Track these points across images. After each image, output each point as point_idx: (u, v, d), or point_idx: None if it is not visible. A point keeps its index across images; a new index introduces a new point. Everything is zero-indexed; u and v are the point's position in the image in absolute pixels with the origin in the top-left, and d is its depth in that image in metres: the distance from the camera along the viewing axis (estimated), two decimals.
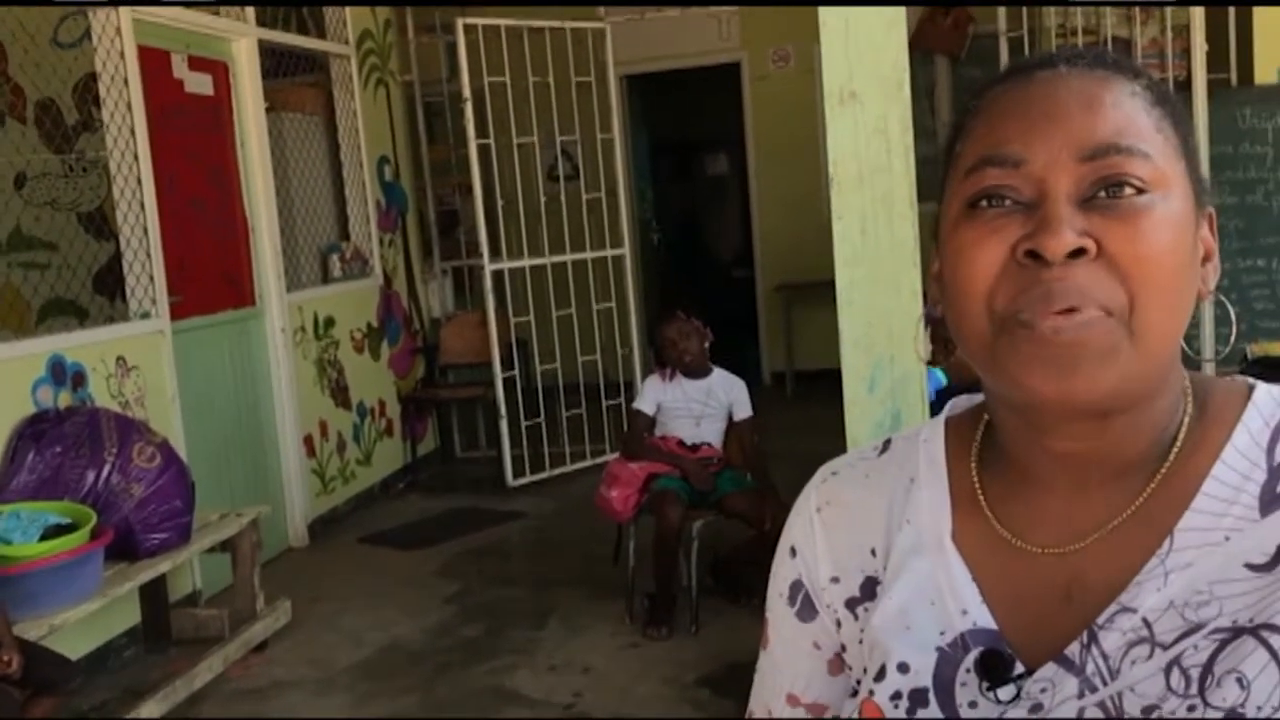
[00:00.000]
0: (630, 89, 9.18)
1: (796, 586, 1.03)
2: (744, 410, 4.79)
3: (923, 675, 0.90)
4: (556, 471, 6.86)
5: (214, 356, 5.45)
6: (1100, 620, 0.85)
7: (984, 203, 0.86)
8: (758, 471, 4.70)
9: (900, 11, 2.51)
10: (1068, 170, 0.83)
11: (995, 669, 0.88)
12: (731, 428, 4.81)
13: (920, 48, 7.91)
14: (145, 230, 4.83)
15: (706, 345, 4.79)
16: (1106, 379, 0.82)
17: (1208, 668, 0.81)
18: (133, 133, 4.77)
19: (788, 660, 1.05)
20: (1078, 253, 0.81)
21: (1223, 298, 0.96)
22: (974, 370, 0.91)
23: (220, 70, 5.60)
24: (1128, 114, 0.85)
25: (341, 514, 6.39)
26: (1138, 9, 5.90)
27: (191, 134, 5.42)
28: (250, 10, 5.75)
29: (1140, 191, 0.82)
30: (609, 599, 4.80)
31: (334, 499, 6.36)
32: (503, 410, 6.69)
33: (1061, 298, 0.81)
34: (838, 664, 1.02)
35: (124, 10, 4.72)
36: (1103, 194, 0.83)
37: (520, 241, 7.09)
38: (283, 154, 6.30)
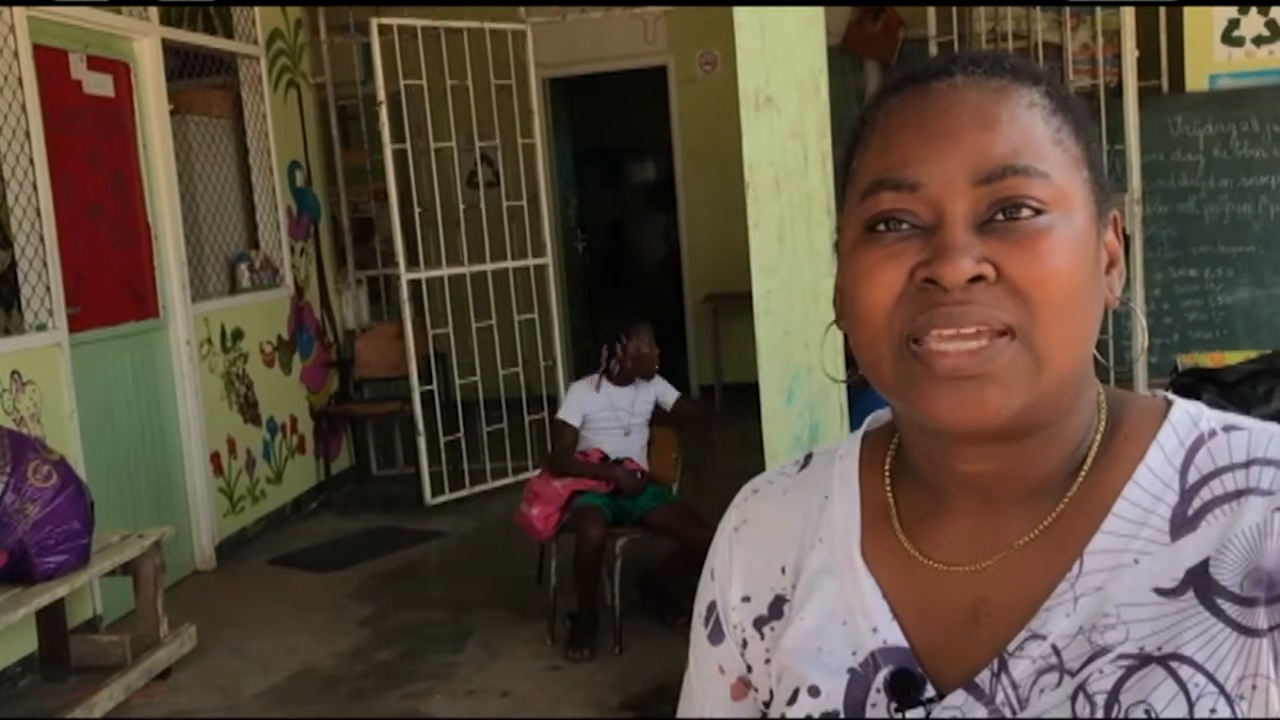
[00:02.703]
0: (553, 92, 9.07)
1: (711, 609, 1.04)
2: (670, 393, 4.79)
3: (834, 698, 0.91)
4: (477, 489, 6.73)
5: (115, 370, 5.30)
6: (1010, 648, 0.85)
7: (881, 226, 0.85)
8: (704, 424, 4.77)
9: (818, 12, 2.46)
10: (964, 194, 0.82)
11: (905, 690, 0.88)
12: (671, 417, 4.78)
13: (850, 52, 7.89)
14: (41, 238, 4.71)
15: None
16: (1010, 404, 0.82)
17: (1114, 695, 0.81)
18: (28, 136, 4.65)
19: (700, 683, 1.06)
20: (976, 278, 0.81)
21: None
22: None
23: (122, 71, 5.44)
24: (1024, 129, 0.84)
25: (251, 535, 6.24)
26: (1068, 14, 5.88)
27: (91, 137, 5.26)
28: (153, 8, 5.57)
29: (1038, 212, 0.82)
30: (530, 620, 4.73)
31: (243, 519, 6.19)
32: (420, 426, 6.56)
33: (961, 321, 0.81)
34: (741, 689, 1.03)
35: (18, 7, 4.56)
36: (1000, 216, 0.82)
37: (438, 250, 6.94)
38: (188, 159, 6.14)
